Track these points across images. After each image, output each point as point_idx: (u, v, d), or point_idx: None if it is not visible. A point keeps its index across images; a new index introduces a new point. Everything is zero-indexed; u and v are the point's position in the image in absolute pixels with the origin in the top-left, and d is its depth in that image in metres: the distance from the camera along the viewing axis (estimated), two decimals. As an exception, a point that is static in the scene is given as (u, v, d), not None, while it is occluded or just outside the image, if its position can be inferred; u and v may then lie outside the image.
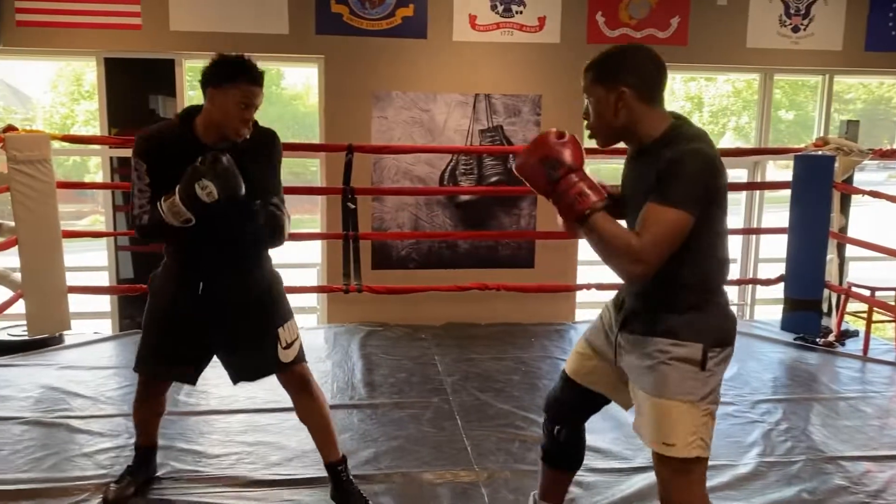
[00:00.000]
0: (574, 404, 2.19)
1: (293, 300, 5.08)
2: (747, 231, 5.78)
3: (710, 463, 3.00)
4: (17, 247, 4.32)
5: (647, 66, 1.89)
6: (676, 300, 1.87)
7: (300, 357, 2.59)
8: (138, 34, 4.78)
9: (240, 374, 2.61)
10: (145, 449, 2.86)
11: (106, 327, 5.16)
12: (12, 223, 4.36)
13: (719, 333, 1.89)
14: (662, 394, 1.87)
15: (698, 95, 15.83)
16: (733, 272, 5.77)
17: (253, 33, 4.84)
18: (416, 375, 4.13)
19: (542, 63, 5.15)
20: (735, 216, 6.06)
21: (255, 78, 2.35)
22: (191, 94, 5.13)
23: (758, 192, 5.75)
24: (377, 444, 3.23)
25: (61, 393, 3.74)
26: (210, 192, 2.23)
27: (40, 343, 4.42)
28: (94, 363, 4.20)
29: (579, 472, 2.93)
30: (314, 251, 5.47)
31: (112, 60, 4.87)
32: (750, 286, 5.84)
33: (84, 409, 3.56)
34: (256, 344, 2.52)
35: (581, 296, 5.50)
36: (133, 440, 3.06)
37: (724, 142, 15.37)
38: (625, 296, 2.01)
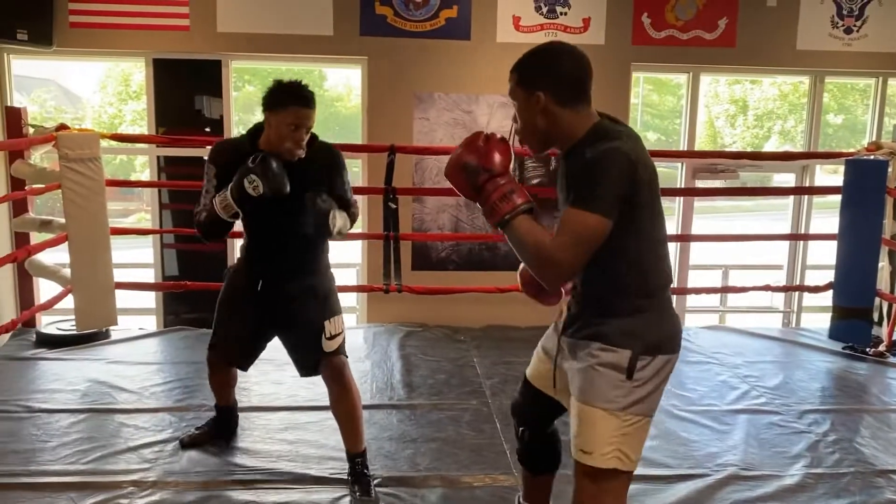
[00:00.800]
0: (533, 407, 2.18)
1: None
2: (795, 237, 5.64)
3: (755, 473, 3.02)
4: (66, 243, 4.42)
5: (566, 69, 1.84)
6: (611, 305, 1.84)
7: (340, 350, 2.81)
8: (186, 35, 4.85)
9: (295, 362, 2.88)
10: (223, 409, 3.23)
11: (151, 323, 5.25)
12: (62, 220, 4.46)
13: (651, 341, 1.81)
14: (585, 399, 1.83)
15: (743, 98, 15.57)
16: (780, 278, 5.68)
17: (298, 34, 4.88)
18: (454, 377, 4.12)
19: (585, 65, 5.09)
20: (782, 222, 5.94)
21: (305, 101, 2.57)
22: (234, 94, 5.20)
23: (806, 196, 5.62)
24: (416, 446, 3.23)
25: (108, 387, 3.82)
26: (256, 186, 2.49)
27: (88, 338, 4.52)
28: (139, 359, 4.28)
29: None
30: (355, 251, 5.49)
31: (160, 61, 4.96)
32: (797, 293, 5.70)
33: (129, 403, 3.63)
34: (305, 333, 2.78)
35: (622, 300, 5.42)
36: (178, 434, 3.19)
37: (770, 145, 15.11)
38: (570, 300, 1.98)
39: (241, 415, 3.50)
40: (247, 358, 2.97)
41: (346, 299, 5.83)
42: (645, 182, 1.76)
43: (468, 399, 3.79)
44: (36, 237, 4.77)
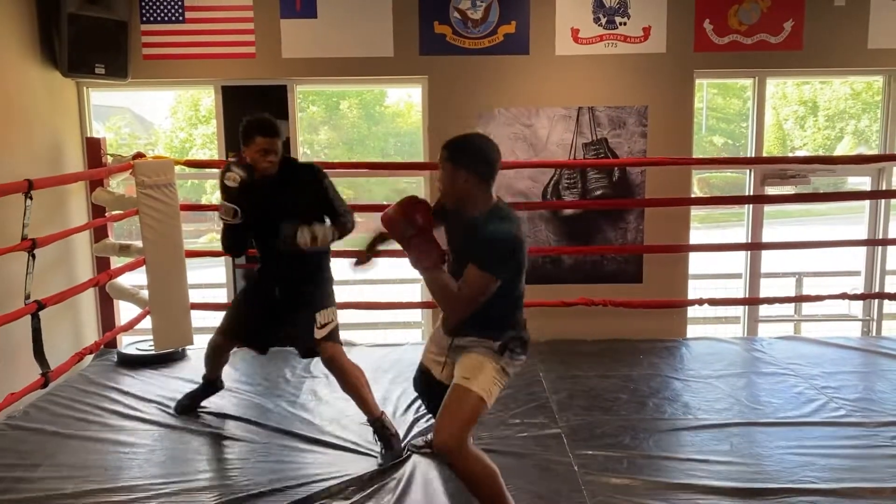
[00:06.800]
0: (426, 386, 3.02)
1: (398, 315, 5.27)
2: (872, 242, 5.44)
3: (834, 487, 2.95)
4: (144, 266, 4.61)
5: (485, 158, 2.52)
6: (486, 324, 2.60)
7: (330, 337, 3.36)
8: (253, 62, 5.01)
9: (297, 348, 3.50)
10: (210, 381, 3.87)
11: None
12: (140, 244, 4.65)
13: (512, 341, 2.61)
14: (477, 353, 2.62)
15: (812, 99, 15.07)
16: (858, 285, 5.48)
17: (360, 57, 4.99)
18: (520, 392, 4.10)
19: (647, 73, 5.05)
20: (858, 226, 5.74)
21: (265, 131, 3.22)
22: (300, 115, 5.34)
23: (883, 200, 5.41)
24: (484, 462, 3.23)
25: (185, 405, 3.95)
26: (233, 178, 3.19)
27: (166, 357, 4.69)
28: (214, 376, 4.41)
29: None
30: (419, 267, 5.52)
31: (228, 88, 5.13)
32: (876, 301, 5.49)
33: (206, 419, 3.75)
34: (302, 323, 3.36)
35: (692, 311, 5.33)
36: (256, 449, 3.25)
37: (842, 146, 14.58)
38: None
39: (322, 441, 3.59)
40: (260, 342, 3.61)
41: (410, 315, 5.91)
42: (524, 256, 2.56)
43: (535, 414, 3.78)
44: (115, 261, 4.98)
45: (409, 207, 2.46)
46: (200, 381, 3.92)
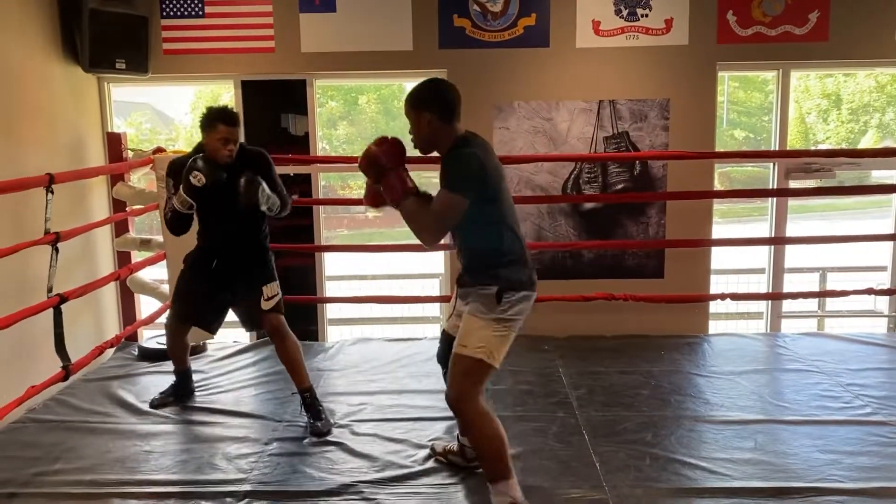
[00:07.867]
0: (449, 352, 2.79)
1: (416, 309, 5.27)
2: (899, 237, 5.34)
3: (861, 487, 2.89)
4: (164, 261, 4.62)
5: (445, 97, 2.69)
6: (482, 263, 2.69)
7: (276, 309, 3.58)
8: (272, 57, 5.01)
9: (242, 322, 3.71)
10: (181, 372, 3.95)
11: (244, 336, 5.41)
12: (160, 238, 4.67)
13: (510, 282, 2.64)
14: (471, 311, 2.67)
15: (836, 92, 14.86)
16: (884, 280, 5.38)
17: (379, 51, 4.97)
18: (539, 388, 4.08)
19: (669, 66, 4.98)
20: (883, 220, 5.64)
21: (228, 120, 3.35)
22: (319, 110, 5.33)
23: (910, 194, 5.30)
24: (504, 458, 3.20)
25: (205, 399, 3.97)
26: (199, 178, 3.27)
27: (185, 351, 4.69)
28: (234, 371, 4.42)
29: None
30: (437, 261, 5.52)
31: (248, 83, 5.13)
32: (903, 296, 5.39)
33: (225, 414, 3.76)
34: (249, 296, 3.55)
35: (714, 307, 5.26)
36: (272, 446, 3.23)
37: (866, 140, 14.36)
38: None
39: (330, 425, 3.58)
40: (207, 318, 3.69)
41: (428, 309, 5.89)
42: (491, 176, 2.63)
43: (554, 410, 3.75)
44: (136, 255, 5.01)
45: (384, 145, 2.63)
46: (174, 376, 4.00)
